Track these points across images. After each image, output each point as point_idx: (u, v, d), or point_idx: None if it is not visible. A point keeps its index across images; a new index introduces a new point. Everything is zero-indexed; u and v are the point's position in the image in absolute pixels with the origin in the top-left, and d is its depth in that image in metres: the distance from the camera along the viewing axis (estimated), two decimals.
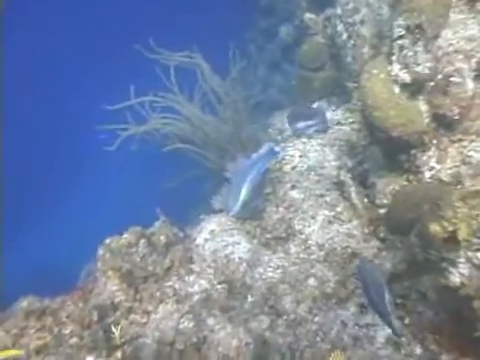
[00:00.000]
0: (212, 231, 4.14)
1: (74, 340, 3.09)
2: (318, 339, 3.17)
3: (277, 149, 4.08)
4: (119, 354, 2.51)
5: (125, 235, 4.02)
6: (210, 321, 3.18)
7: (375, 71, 3.39)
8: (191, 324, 3.16)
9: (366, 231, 3.72)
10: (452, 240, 2.58)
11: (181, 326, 3.17)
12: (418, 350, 2.92)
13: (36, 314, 3.39)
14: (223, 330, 3.04)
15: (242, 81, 5.82)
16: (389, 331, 2.99)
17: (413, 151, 3.44)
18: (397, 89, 3.31)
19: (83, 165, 6.37)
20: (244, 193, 3.29)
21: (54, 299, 3.81)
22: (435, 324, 2.91)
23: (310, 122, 4.51)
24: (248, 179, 3.40)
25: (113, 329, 2.68)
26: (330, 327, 3.21)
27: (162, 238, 4.18)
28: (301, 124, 4.53)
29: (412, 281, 3.17)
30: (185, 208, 5.03)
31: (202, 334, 3.12)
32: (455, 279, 2.63)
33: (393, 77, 3.31)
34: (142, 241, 4.02)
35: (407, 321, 3.06)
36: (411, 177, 3.53)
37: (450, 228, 2.56)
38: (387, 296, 2.67)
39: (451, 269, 2.62)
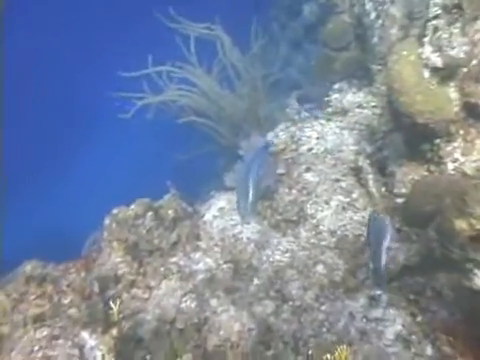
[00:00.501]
0: (221, 209, 3.96)
1: (73, 311, 2.93)
2: (324, 330, 3.00)
3: (270, 139, 3.86)
4: (115, 331, 2.34)
5: (132, 206, 3.84)
6: (213, 302, 3.02)
7: (404, 53, 3.15)
8: (193, 304, 2.99)
9: None
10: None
11: (183, 305, 3.00)
12: (429, 350, 2.73)
13: (37, 280, 3.23)
14: (226, 313, 2.88)
15: (262, 58, 5.60)
16: (399, 327, 2.81)
17: (437, 140, 3.22)
18: (427, 73, 3.08)
19: (96, 132, 6.17)
20: (252, 193, 3.00)
21: (57, 266, 3.66)
22: (449, 325, 2.72)
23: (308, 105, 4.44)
24: (251, 180, 3.10)
25: (112, 304, 2.50)
26: (337, 318, 3.03)
27: (170, 212, 4.01)
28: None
29: (427, 277, 2.98)
30: (196, 183, 4.85)
31: (204, 315, 2.96)
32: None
33: (424, 60, 3.07)
34: (149, 214, 3.85)
35: (419, 319, 2.86)
36: (433, 168, 3.32)
37: (478, 226, 2.34)
38: (385, 243, 2.54)
39: (476, 271, 2.41)
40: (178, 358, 2.47)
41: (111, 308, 2.51)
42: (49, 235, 5.12)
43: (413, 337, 2.80)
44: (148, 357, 2.47)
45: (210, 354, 2.79)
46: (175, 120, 5.01)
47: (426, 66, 3.07)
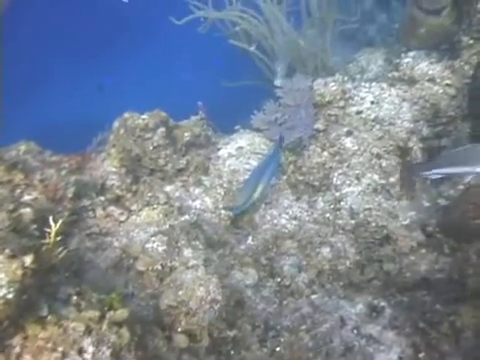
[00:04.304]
0: (240, 148, 3.17)
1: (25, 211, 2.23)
2: (304, 327, 2.23)
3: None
4: (29, 259, 1.61)
5: (145, 116, 3.08)
6: (186, 252, 2.27)
7: None
8: (162, 248, 2.25)
9: (414, 218, 2.65)
10: None
11: (149, 245, 2.27)
12: None
13: (6, 164, 2.54)
14: (194, 271, 2.13)
15: (341, 2, 4.58)
16: (394, 358, 2.02)
17: None
18: None
19: (141, 34, 5.33)
20: (259, 191, 2.47)
21: (50, 156, 2.99)
22: None
23: None
24: (264, 179, 2.52)
25: (51, 222, 1.79)
26: (324, 318, 2.26)
27: (186, 135, 3.24)
28: None
29: (448, 307, 2.14)
30: (231, 114, 4.02)
31: (170, 264, 2.22)
32: None
33: None
34: (161, 129, 3.09)
35: (421, 356, 2.04)
36: None
37: None
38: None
39: None
40: (111, 310, 1.76)
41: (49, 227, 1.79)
42: (66, 126, 4.47)
43: None
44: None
45: (160, 313, 2.07)
46: (228, 43, 4.17)
47: None
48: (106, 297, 1.85)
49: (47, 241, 1.79)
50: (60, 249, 1.84)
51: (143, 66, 5.23)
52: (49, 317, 1.61)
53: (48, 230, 1.81)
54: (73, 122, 4.54)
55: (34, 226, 2.06)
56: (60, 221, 1.83)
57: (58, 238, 1.82)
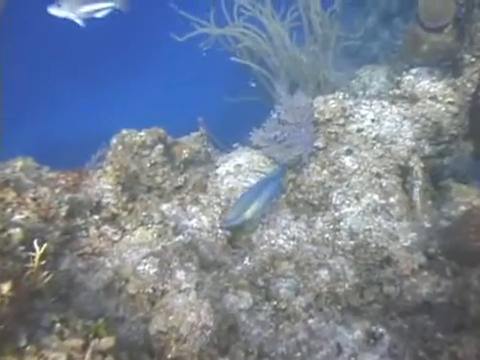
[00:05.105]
0: (238, 166, 3.08)
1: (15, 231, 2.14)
2: (298, 354, 2.11)
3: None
4: (6, 287, 1.53)
5: (142, 133, 3.01)
6: (179, 274, 2.17)
7: None
8: (153, 270, 2.15)
9: (415, 239, 2.54)
10: None
11: (140, 267, 2.17)
12: None
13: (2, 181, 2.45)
14: (185, 295, 2.03)
15: (344, 20, 4.50)
16: None
17: None
18: None
19: (144, 48, 5.27)
20: (253, 209, 2.42)
21: (47, 173, 2.91)
22: None
23: None
24: (261, 198, 2.47)
25: (35, 245, 1.70)
26: (320, 344, 2.15)
27: (185, 152, 3.16)
28: None
29: (449, 335, 2.02)
30: (232, 130, 3.94)
31: (162, 287, 2.12)
32: None
33: None
34: (159, 146, 3.01)
35: None
36: None
37: None
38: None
39: None
40: (96, 337, 1.67)
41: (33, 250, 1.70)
42: (68, 141, 4.40)
43: None
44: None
45: (150, 339, 1.97)
46: (230, 59, 4.10)
47: None
48: (92, 323, 1.76)
49: (31, 265, 1.70)
50: (46, 273, 1.75)
51: (144, 82, 5.17)
52: (28, 347, 1.51)
53: (32, 254, 1.72)
54: (76, 138, 4.49)
55: (22, 248, 1.97)
56: (45, 244, 1.74)
57: (43, 262, 1.73)
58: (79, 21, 3.72)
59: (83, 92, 4.82)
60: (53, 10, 3.66)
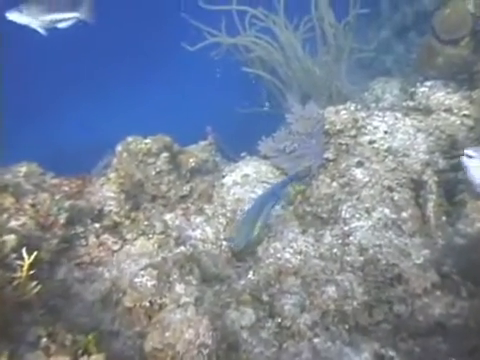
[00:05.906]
0: (246, 176, 2.95)
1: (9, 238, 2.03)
2: None
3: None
4: None
5: (148, 140, 2.90)
6: (179, 288, 2.04)
7: None
8: (151, 283, 2.02)
9: (428, 256, 2.37)
10: None
11: (137, 279, 2.04)
12: None
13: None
14: (183, 310, 1.89)
15: (358, 32, 4.38)
16: None
17: None
18: None
19: (155, 57, 5.18)
20: (257, 229, 2.35)
21: (51, 179, 2.81)
22: None
23: None
24: (264, 215, 2.41)
25: (24, 254, 1.59)
26: None
27: (191, 160, 3.04)
28: None
29: (462, 358, 1.84)
30: (241, 140, 3.83)
31: (160, 301, 1.99)
32: None
33: None
34: (164, 154, 2.89)
35: None
36: None
37: None
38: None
39: None
40: (85, 354, 1.54)
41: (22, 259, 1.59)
42: (76, 147, 4.32)
43: None
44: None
45: (145, 355, 1.84)
46: (241, 69, 4.00)
47: None
48: (82, 338, 1.63)
49: (19, 275, 1.59)
50: (34, 283, 1.63)
51: (155, 91, 5.09)
52: None
53: (20, 263, 1.61)
54: (82, 144, 4.40)
55: (14, 255, 1.85)
56: (35, 253, 1.63)
57: (33, 271, 1.62)
58: (41, 30, 3.53)
59: (92, 99, 4.75)
60: (13, 16, 3.45)
